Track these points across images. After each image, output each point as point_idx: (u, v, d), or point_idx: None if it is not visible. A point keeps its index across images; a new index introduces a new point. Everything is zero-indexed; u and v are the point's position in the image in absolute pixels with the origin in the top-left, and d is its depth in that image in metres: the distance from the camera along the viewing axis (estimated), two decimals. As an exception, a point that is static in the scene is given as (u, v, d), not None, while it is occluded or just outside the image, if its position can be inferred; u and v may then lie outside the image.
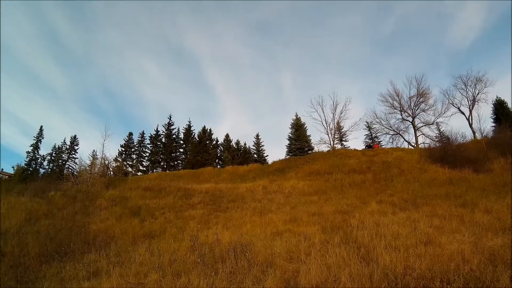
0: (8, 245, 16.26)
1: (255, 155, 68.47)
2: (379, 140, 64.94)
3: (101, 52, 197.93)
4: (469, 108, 59.21)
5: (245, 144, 71.40)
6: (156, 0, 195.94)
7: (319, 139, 60.79)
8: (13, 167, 58.72)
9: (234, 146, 69.66)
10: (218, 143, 70.27)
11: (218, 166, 60.25)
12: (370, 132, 67.96)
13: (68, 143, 65.13)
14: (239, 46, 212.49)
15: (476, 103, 58.78)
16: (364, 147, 58.96)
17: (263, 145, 70.56)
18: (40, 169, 61.60)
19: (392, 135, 61.55)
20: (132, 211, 24.02)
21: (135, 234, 18.33)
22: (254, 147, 70.65)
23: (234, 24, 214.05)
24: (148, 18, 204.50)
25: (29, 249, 15.53)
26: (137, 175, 56.85)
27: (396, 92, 62.41)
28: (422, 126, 59.92)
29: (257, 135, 71.28)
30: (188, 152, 65.01)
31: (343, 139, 61.99)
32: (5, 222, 20.49)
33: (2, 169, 65.07)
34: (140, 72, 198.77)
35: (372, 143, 61.21)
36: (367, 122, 66.44)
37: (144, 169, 64.43)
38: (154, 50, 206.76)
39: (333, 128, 57.47)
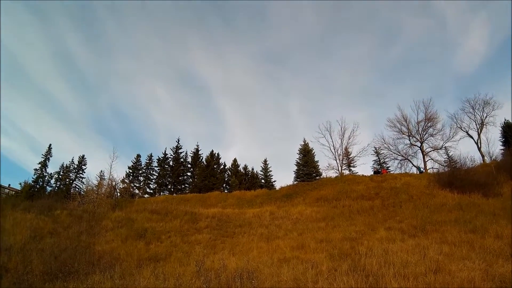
0: (12, 261, 16.20)
1: (263, 180, 68.14)
2: (387, 165, 64.37)
3: (113, 76, 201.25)
4: (478, 131, 58.48)
5: (252, 169, 71.19)
6: (169, 29, 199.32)
7: (327, 165, 60.05)
8: (20, 184, 58.80)
9: (241, 171, 69.40)
10: (226, 167, 70.08)
11: (226, 191, 59.93)
12: (378, 158, 67.45)
13: (76, 162, 65.27)
14: (248, 75, 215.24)
15: (484, 126, 58.07)
16: (372, 172, 58.29)
17: (270, 170, 70.25)
18: (47, 186, 61.56)
19: (401, 160, 60.73)
20: (138, 233, 23.85)
21: (140, 256, 18.19)
22: (261, 172, 70.35)
23: (243, 54, 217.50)
24: (161, 46, 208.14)
25: (33, 266, 15.45)
26: (144, 197, 56.76)
27: (404, 117, 61.71)
28: (430, 151, 59.11)
29: (265, 160, 70.99)
30: (195, 176, 64.81)
31: (351, 164, 61.42)
32: (9, 238, 20.46)
33: (9, 185, 65.19)
34: (151, 97, 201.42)
35: (380, 169, 60.50)
36: (375, 148, 65.93)
37: (151, 191, 64.08)
38: (165, 77, 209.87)
39: (341, 153, 57.12)
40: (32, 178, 61.03)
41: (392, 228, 19.09)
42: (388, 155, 63.93)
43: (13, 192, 59.65)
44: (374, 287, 9.30)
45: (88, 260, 16.90)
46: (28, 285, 13.38)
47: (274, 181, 68.42)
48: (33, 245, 19.68)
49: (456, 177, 30.95)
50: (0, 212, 25.80)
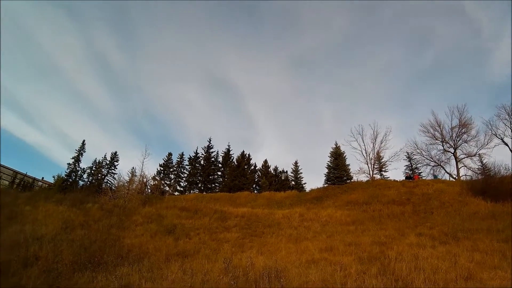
0: (43, 250, 16.46)
1: (293, 182, 67.85)
2: (420, 171, 63.36)
3: (146, 78, 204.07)
4: (513, 138, 56.37)
5: (283, 170, 71.11)
6: (201, 33, 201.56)
7: (358, 169, 58.85)
8: (53, 177, 59.88)
9: (272, 172, 69.32)
10: (256, 168, 70.07)
11: (255, 191, 59.88)
12: (410, 163, 66.29)
13: (108, 158, 66.27)
14: (278, 79, 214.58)
15: (520, 133, 55.88)
16: (404, 178, 57.31)
17: (301, 173, 69.85)
18: (80, 181, 62.59)
19: (433, 166, 59.48)
20: (167, 229, 24.01)
21: (168, 252, 18.25)
22: (292, 174, 70.04)
23: (274, 58, 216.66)
24: (194, 50, 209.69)
25: (63, 256, 15.68)
26: (174, 194, 57.16)
27: (437, 123, 60.43)
28: (464, 158, 57.83)
29: (296, 162, 70.60)
30: (225, 176, 65.02)
31: (383, 169, 60.47)
32: (41, 228, 20.89)
33: (43, 178, 66.52)
34: (182, 99, 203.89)
35: (412, 174, 59.51)
36: (407, 153, 64.72)
37: (182, 189, 64.64)
38: (196, 80, 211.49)
39: (372, 158, 56.10)
40: (65, 172, 62.26)
41: (423, 234, 18.75)
42: (420, 161, 62.89)
43: (46, 185, 60.97)
44: None
45: (117, 253, 17.10)
46: (58, 274, 13.57)
47: (305, 183, 68.11)
48: (64, 235, 20.03)
49: (489, 185, 30.16)
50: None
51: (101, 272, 13.87)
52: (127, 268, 14.13)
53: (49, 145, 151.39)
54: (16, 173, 65.97)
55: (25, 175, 65.84)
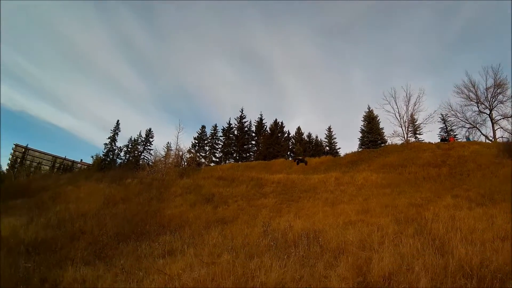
0: (87, 225, 17.07)
1: (327, 148, 67.81)
2: (455, 133, 62.10)
3: (174, 56, 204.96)
4: (551, 98, 54.04)
5: (316, 137, 70.91)
6: (227, 5, 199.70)
7: (392, 132, 57.81)
8: (92, 157, 61.52)
9: (305, 138, 69.27)
10: (290, 135, 70.23)
11: (290, 158, 60.06)
12: (445, 125, 65.08)
13: (143, 136, 67.38)
14: (309, 47, 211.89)
15: (559, 93, 53.46)
16: (439, 140, 56.05)
17: (335, 138, 69.73)
18: (117, 159, 64.14)
19: (468, 128, 58.10)
20: (206, 198, 24.38)
21: (208, 219, 18.54)
22: (325, 140, 69.95)
23: (304, 26, 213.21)
24: (218, 23, 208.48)
25: (107, 229, 16.23)
26: (210, 165, 57.89)
27: (472, 83, 58.53)
28: (500, 119, 56.05)
29: (329, 128, 70.40)
30: (260, 144, 65.38)
31: (417, 132, 59.47)
32: (84, 205, 21.60)
33: (81, 160, 68.57)
34: (212, 73, 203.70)
35: (447, 137, 58.23)
36: (441, 115, 63.38)
37: (217, 160, 65.51)
38: (225, 54, 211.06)
39: (406, 120, 55.15)
40: (103, 152, 63.68)
41: (459, 196, 18.45)
42: (455, 123, 61.42)
43: (85, 166, 62.57)
44: (441, 250, 9.13)
45: (159, 223, 17.58)
46: (103, 245, 14.07)
47: (339, 148, 68.05)
48: (107, 210, 20.69)
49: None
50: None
51: (145, 241, 14.29)
52: (169, 236, 14.49)
53: (85, 128, 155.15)
54: (55, 157, 68.02)
55: (64, 158, 67.89)
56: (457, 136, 60.14)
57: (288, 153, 65.56)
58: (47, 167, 64.15)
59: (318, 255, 9.83)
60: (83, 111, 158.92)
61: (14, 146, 70.24)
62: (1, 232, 8.51)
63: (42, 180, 39.21)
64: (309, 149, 64.60)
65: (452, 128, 63.16)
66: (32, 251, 13.97)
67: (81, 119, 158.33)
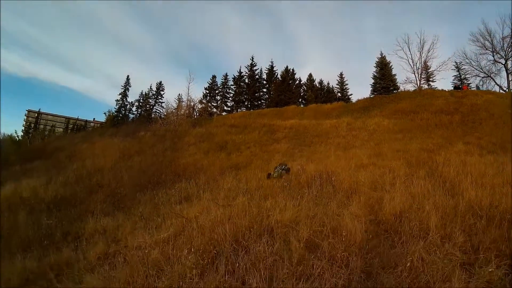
0: (104, 179, 17.38)
1: (339, 94, 67.20)
2: (469, 82, 60.90)
3: (181, 8, 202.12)
4: None
5: (328, 83, 70.13)
6: None
7: (405, 78, 56.55)
8: (104, 113, 61.73)
9: (317, 85, 68.66)
10: (301, 83, 69.60)
11: (301, 105, 59.75)
12: (459, 73, 63.49)
13: (154, 89, 67.23)
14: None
15: None
16: (452, 88, 54.84)
17: (346, 84, 68.86)
18: (129, 114, 64.30)
19: (483, 77, 56.32)
20: (219, 146, 24.60)
21: (222, 166, 18.75)
22: (337, 86, 69.19)
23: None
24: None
25: (124, 181, 16.53)
26: (222, 115, 57.85)
27: (488, 32, 55.83)
28: (515, 70, 53.93)
29: (341, 74, 69.45)
30: (271, 92, 64.93)
31: (430, 79, 58.17)
32: (100, 161, 21.97)
33: (94, 119, 69.05)
34: (221, 21, 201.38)
35: (461, 85, 57.07)
36: (455, 63, 61.68)
37: (228, 109, 65.18)
38: (233, 1, 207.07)
39: (419, 67, 54.11)
40: (115, 108, 63.73)
41: (471, 143, 18.36)
42: (469, 71, 59.77)
43: (98, 125, 62.96)
44: (451, 192, 9.20)
45: (174, 172, 17.84)
46: (121, 196, 14.36)
47: (351, 95, 67.32)
48: (123, 164, 20.97)
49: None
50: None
51: (161, 190, 14.53)
52: (185, 183, 14.69)
53: (96, 88, 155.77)
54: (68, 119, 68.52)
55: (77, 119, 68.41)
56: (470, 84, 58.92)
57: (300, 100, 65.27)
58: (61, 129, 64.75)
59: (330, 195, 9.99)
60: (93, 71, 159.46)
61: (26, 112, 70.90)
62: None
63: (57, 141, 39.73)
64: (320, 96, 64.02)
65: (466, 76, 61.70)
66: (53, 208, 14.32)
67: (91, 79, 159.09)
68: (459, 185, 9.59)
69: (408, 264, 5.93)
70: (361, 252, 6.52)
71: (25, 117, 69.85)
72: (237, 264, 6.26)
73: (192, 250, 6.85)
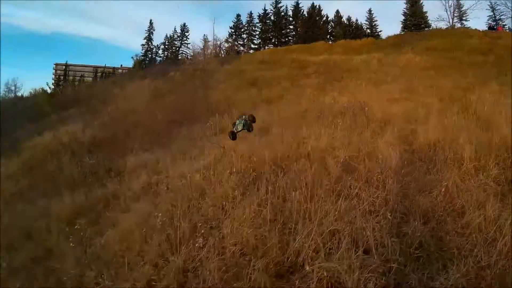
0: (140, 118, 17.67)
1: (368, 31, 65.50)
2: (503, 23, 58.05)
3: None
4: None
5: (356, 20, 68.24)
6: None
7: (437, 16, 54.33)
8: (132, 58, 61.69)
9: (345, 22, 66.99)
10: (328, 19, 68.04)
11: (330, 42, 58.60)
12: (494, 14, 60.57)
13: (179, 31, 66.45)
14: None
15: None
16: (486, 28, 52.28)
17: (376, 21, 66.63)
18: (156, 57, 64.00)
19: None
20: (249, 82, 24.48)
21: (253, 101, 18.78)
22: (366, 23, 67.18)
23: None
24: None
25: (159, 119, 16.80)
26: (249, 53, 57.18)
27: None
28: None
29: (370, 10, 67.13)
30: (298, 28, 63.74)
31: (463, 18, 55.93)
32: (133, 102, 22.26)
33: (121, 65, 69.15)
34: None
35: (495, 25, 54.46)
36: (490, 2, 58.95)
37: (256, 47, 64.00)
38: None
39: (452, 5, 52.06)
40: (141, 53, 63.46)
41: (506, 84, 17.74)
42: (505, 12, 56.85)
43: (126, 71, 63.20)
44: (485, 127, 9.05)
45: (206, 108, 17.95)
46: (158, 133, 14.73)
47: (380, 31, 65.42)
48: (156, 103, 21.22)
49: None
50: None
51: (196, 124, 14.73)
52: (218, 118, 14.84)
53: (120, 35, 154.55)
54: (96, 68, 68.94)
55: (105, 67, 68.61)
56: (506, 26, 56.20)
57: (328, 37, 63.96)
58: (90, 78, 65.32)
59: (364, 124, 9.96)
60: (115, 19, 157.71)
61: (54, 65, 71.42)
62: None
63: (88, 89, 40.38)
64: (348, 33, 62.50)
65: (501, 17, 58.88)
66: (93, 149, 14.79)
67: (114, 27, 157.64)
68: (493, 122, 9.41)
69: (443, 189, 6.01)
70: (396, 176, 6.58)
71: (53, 71, 70.47)
72: (277, 184, 6.39)
73: (234, 170, 7.00)
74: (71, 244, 6.38)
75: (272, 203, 5.86)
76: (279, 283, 4.36)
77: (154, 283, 4.82)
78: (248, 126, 10.02)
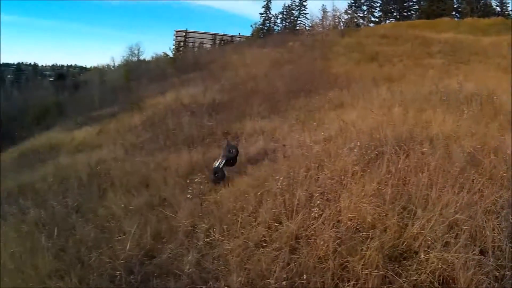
0: (258, 86, 18.15)
1: (498, 8, 61.12)
2: None
3: None
4: None
5: (485, -5, 63.99)
6: None
7: None
8: (251, 26, 62.61)
9: (471, -3, 62.99)
10: (453, -7, 64.28)
11: (455, 19, 55.50)
12: None
13: (297, 0, 66.08)
14: None
15: None
16: None
17: (507, -2, 62.15)
18: (275, 26, 64.38)
19: None
20: (370, 56, 23.95)
21: (374, 77, 18.31)
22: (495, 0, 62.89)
23: None
24: None
25: (277, 88, 17.03)
26: (369, 26, 55.74)
27: None
28: None
29: (500, -15, 62.76)
30: (421, 1, 60.93)
31: None
32: (252, 69, 22.98)
33: (239, 33, 70.53)
34: None
35: None
36: None
37: (376, 20, 62.22)
38: None
39: None
40: (259, 22, 64.16)
41: None
42: None
43: (244, 39, 64.37)
44: None
45: (325, 81, 17.87)
46: (275, 102, 14.99)
47: (511, 10, 60.82)
48: (274, 72, 21.57)
49: None
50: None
51: (314, 96, 14.73)
52: (338, 92, 14.69)
53: (237, 3, 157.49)
54: (214, 35, 71.09)
55: (223, 35, 70.52)
56: None
57: (453, 13, 60.52)
58: (208, 45, 67.42)
59: (491, 116, 9.35)
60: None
61: (175, 32, 74.62)
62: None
63: (208, 55, 41.84)
64: (476, 9, 58.85)
65: None
66: (211, 112, 15.31)
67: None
68: None
69: None
70: (524, 177, 6.10)
71: (174, 37, 73.54)
72: (399, 165, 6.23)
73: (356, 145, 6.89)
74: (188, 196, 6.88)
75: (392, 184, 5.72)
76: (391, 265, 4.21)
77: (265, 244, 4.93)
78: (231, 157, 8.49)
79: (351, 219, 5.08)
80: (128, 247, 5.35)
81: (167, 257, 5.25)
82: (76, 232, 6.65)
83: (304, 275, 4.08)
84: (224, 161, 8.33)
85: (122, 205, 7.35)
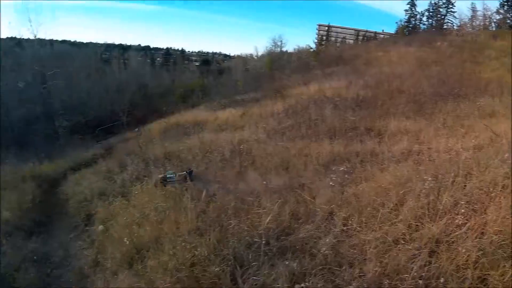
0: (404, 85, 18.15)
1: None
2: None
3: None
4: None
5: None
6: None
7: None
8: (396, 23, 60.94)
9: None
10: None
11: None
12: None
13: (444, -1, 63.13)
14: None
15: None
16: None
17: None
18: (420, 24, 62.12)
19: None
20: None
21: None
22: None
23: None
24: None
25: (423, 89, 16.92)
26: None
27: None
28: None
29: None
30: None
31: None
32: (397, 67, 23.06)
33: (383, 30, 68.96)
34: None
35: None
36: None
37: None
38: None
39: None
40: (404, 19, 62.36)
41: None
42: None
43: (388, 36, 63.11)
44: None
45: (475, 86, 17.28)
46: (421, 103, 15.10)
47: None
48: (420, 72, 21.25)
49: None
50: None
51: (463, 102, 14.43)
52: (489, 100, 14.25)
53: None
54: (357, 31, 70.65)
55: (366, 31, 69.82)
56: None
57: None
58: (351, 41, 67.03)
59: None
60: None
61: (317, 26, 74.91)
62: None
63: (351, 50, 41.79)
64: None
65: None
66: (355, 106, 15.70)
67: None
68: None
69: None
70: None
71: (317, 31, 73.90)
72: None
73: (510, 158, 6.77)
74: (331, 183, 7.39)
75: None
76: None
77: (403, 241, 5.05)
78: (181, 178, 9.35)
79: (496, 233, 4.86)
80: (267, 220, 5.99)
81: (303, 236, 5.71)
82: (217, 200, 7.65)
83: (442, 278, 4.17)
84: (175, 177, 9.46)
85: (264, 182, 8.15)
